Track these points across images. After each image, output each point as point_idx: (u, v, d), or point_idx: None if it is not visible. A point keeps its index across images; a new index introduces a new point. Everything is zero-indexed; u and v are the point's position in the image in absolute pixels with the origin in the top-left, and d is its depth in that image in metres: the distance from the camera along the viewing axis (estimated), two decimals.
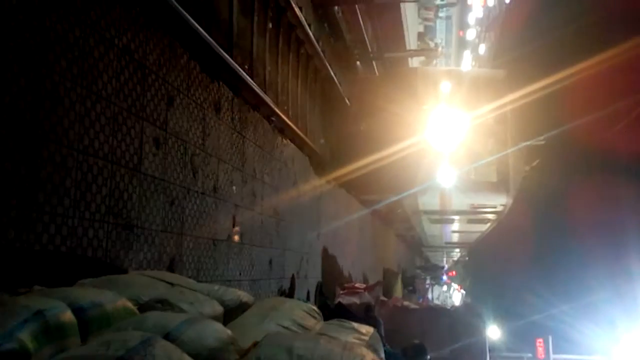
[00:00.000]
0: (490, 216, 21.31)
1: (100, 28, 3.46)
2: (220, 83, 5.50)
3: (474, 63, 31.96)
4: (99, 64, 3.44)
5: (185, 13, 4.65)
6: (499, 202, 18.25)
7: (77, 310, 2.36)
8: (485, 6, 26.59)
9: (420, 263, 43.55)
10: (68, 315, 2.27)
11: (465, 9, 36.46)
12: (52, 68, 3.03)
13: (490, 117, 14.40)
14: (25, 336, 2.01)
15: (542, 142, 16.69)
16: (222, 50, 5.57)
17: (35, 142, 2.95)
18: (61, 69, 3.09)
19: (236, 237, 5.90)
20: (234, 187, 5.85)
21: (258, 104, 6.81)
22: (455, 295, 46.60)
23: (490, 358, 12.66)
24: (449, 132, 14.39)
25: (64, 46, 3.12)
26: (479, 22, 31.57)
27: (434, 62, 19.88)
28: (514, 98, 13.53)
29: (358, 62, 13.68)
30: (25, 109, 2.86)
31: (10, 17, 2.75)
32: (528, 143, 16.15)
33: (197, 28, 4.94)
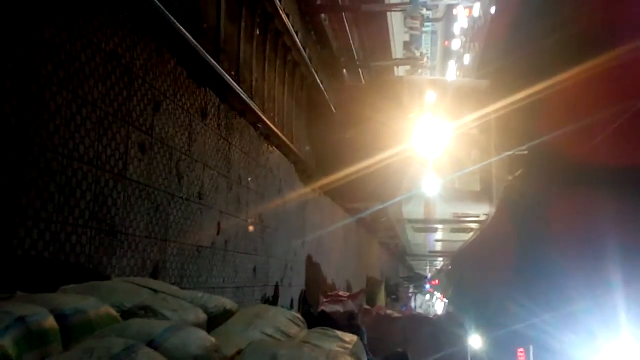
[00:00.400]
0: (473, 225, 21.46)
1: (88, 33, 3.44)
2: (207, 89, 5.49)
3: (458, 73, 32.32)
4: (85, 68, 3.42)
5: (172, 18, 4.65)
6: (482, 211, 18.39)
7: (60, 317, 2.33)
8: (471, 17, 26.91)
9: (404, 271, 43.67)
10: (50, 322, 2.24)
11: (450, 19, 36.87)
12: (39, 72, 3.01)
13: (474, 126, 14.54)
14: (6, 342, 1.98)
15: (525, 152, 16.87)
16: (209, 57, 5.57)
17: (20, 146, 2.92)
18: (47, 73, 3.07)
19: (220, 244, 5.88)
20: (219, 194, 5.84)
21: (244, 111, 6.81)
22: (438, 304, 46.74)
23: None
24: (433, 141, 14.49)
25: (51, 50, 3.10)
26: (465, 32, 31.93)
27: (420, 71, 20.03)
28: (497, 108, 13.68)
29: (344, 70, 13.74)
30: (11, 113, 2.84)
31: None
32: (511, 153, 16.32)
33: (185, 34, 4.93)
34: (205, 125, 5.41)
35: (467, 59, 27.42)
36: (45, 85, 3.07)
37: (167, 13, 4.51)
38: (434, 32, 42.18)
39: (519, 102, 13.28)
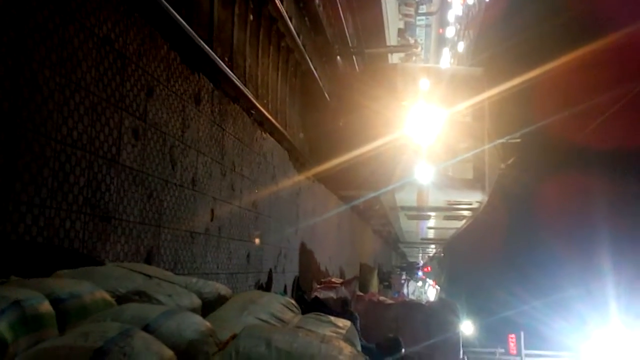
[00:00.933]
0: (466, 213, 21.56)
1: (80, 16, 3.41)
2: (201, 75, 5.46)
3: (452, 60, 32.26)
4: (78, 52, 3.39)
5: (165, 3, 4.61)
6: (475, 199, 18.47)
7: (55, 301, 2.34)
8: (465, 4, 26.78)
9: (396, 258, 43.86)
10: (46, 306, 2.25)
11: (445, 6, 36.77)
12: (31, 56, 2.99)
13: (468, 114, 14.57)
14: (2, 326, 1.98)
15: (518, 140, 16.93)
16: (202, 42, 5.54)
17: (13, 131, 2.90)
18: (40, 57, 3.05)
19: (214, 231, 5.88)
20: (212, 180, 5.83)
21: (238, 97, 6.79)
22: (430, 291, 47.07)
23: (463, 353, 12.83)
24: (427, 128, 14.51)
25: (44, 34, 3.07)
26: (459, 19, 31.80)
27: (414, 58, 19.99)
28: (490, 95, 13.70)
29: (338, 57, 13.69)
30: (3, 98, 2.82)
31: None
32: (504, 140, 16.38)
33: (178, 18, 4.90)
34: (199, 111, 5.39)
35: (461, 46, 27.34)
36: (38, 69, 3.04)
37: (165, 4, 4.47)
38: (427, 26, 42.13)
39: (512, 89, 13.31)
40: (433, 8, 38.60)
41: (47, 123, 3.14)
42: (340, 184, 13.88)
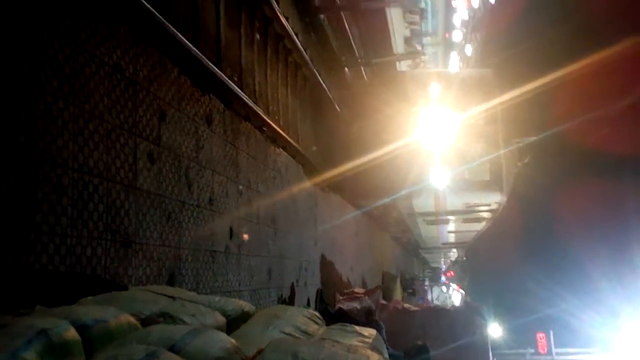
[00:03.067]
0: (486, 214, 21.41)
1: (90, 47, 3.48)
2: (211, 96, 5.53)
3: (461, 64, 32.17)
4: (90, 82, 3.46)
5: (172, 28, 4.68)
6: (493, 200, 18.34)
7: (81, 328, 2.37)
8: (470, 7, 26.69)
9: (418, 265, 43.56)
10: (72, 333, 2.28)
11: (450, 10, 36.75)
12: (44, 88, 3.05)
13: (481, 117, 14.52)
14: (30, 356, 2.01)
15: (534, 139, 16.78)
16: (210, 64, 5.60)
17: (30, 162, 2.96)
18: (53, 89, 3.11)
19: (234, 248, 5.92)
20: (229, 198, 5.88)
21: (249, 115, 6.84)
22: (454, 295, 46.66)
23: (492, 356, 12.68)
24: (440, 133, 14.49)
25: (55, 66, 3.14)
26: (465, 23, 31.71)
27: (422, 64, 20.00)
28: (503, 98, 13.65)
29: (346, 69, 13.75)
30: (19, 130, 2.88)
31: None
32: (519, 142, 16.27)
33: (185, 43, 4.97)
34: (211, 131, 5.45)
35: (469, 49, 27.24)
36: (52, 101, 3.11)
37: (167, 23, 4.55)
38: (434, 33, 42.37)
39: (526, 91, 13.24)
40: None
41: (63, 152, 3.20)
42: (356, 193, 13.90)
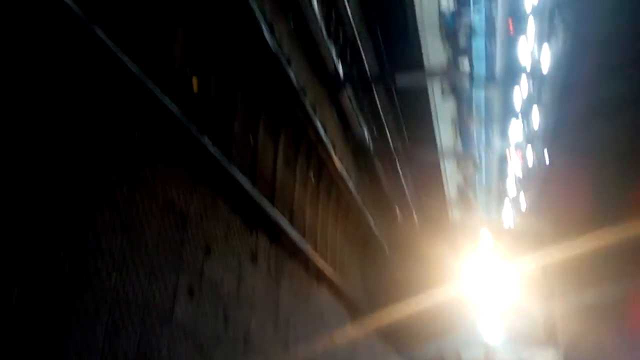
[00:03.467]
0: None
1: (147, 185, 3.70)
2: (259, 233, 5.64)
3: (514, 215, 31.96)
4: (142, 216, 3.63)
5: (232, 170, 4.88)
6: (548, 357, 17.17)
7: None
8: (524, 162, 27.09)
9: None
10: None
11: (504, 162, 37.21)
12: (96, 220, 3.21)
13: (535, 269, 14.09)
14: None
15: (591, 303, 15.85)
16: (266, 202, 5.78)
17: (71, 291, 3.04)
18: (104, 222, 3.27)
19: None
20: (265, 337, 5.76)
21: (296, 252, 6.90)
22: None
23: None
24: (491, 283, 14.07)
25: (111, 201, 3.33)
26: (519, 177, 31.95)
27: (474, 212, 19.97)
28: (558, 252, 13.30)
29: (398, 211, 13.88)
30: (65, 260, 2.99)
31: (60, 175, 2.99)
32: (575, 302, 15.49)
33: (244, 183, 5.13)
34: (255, 268, 5.50)
35: (522, 201, 27.19)
36: (102, 233, 3.26)
37: (228, 165, 4.75)
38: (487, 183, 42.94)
39: (583, 248, 12.88)
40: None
41: (105, 284, 3.28)
42: (399, 339, 13.36)
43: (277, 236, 6.24)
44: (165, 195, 3.91)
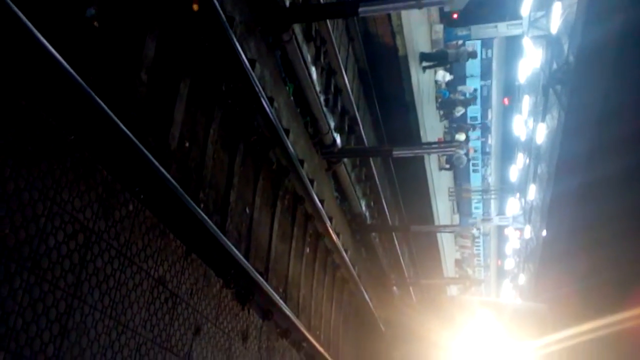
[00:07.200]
0: None
1: (139, 260, 3.57)
2: (250, 310, 5.46)
3: (514, 294, 31.33)
4: (131, 294, 3.48)
5: (228, 243, 4.73)
6: None
7: None
8: (522, 237, 26.90)
9: None
10: None
11: (502, 238, 37.10)
12: (85, 299, 3.07)
13: (535, 352, 13.69)
14: None
15: None
16: (259, 276, 5.60)
17: None
18: (93, 301, 3.13)
19: None
20: None
21: (289, 329, 6.66)
22: None
23: None
24: None
25: (100, 279, 3.20)
26: (517, 252, 31.65)
27: (472, 290, 19.67)
28: (558, 335, 12.96)
29: (394, 287, 13.62)
30: (50, 341, 2.84)
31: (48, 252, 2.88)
32: None
33: (240, 258, 4.97)
34: (245, 348, 5.27)
35: (521, 279, 26.83)
36: (89, 313, 3.11)
37: (224, 239, 4.62)
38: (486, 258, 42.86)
39: (583, 332, 12.55)
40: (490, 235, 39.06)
41: None
42: None
43: (269, 313, 6.03)
44: (157, 271, 3.77)
